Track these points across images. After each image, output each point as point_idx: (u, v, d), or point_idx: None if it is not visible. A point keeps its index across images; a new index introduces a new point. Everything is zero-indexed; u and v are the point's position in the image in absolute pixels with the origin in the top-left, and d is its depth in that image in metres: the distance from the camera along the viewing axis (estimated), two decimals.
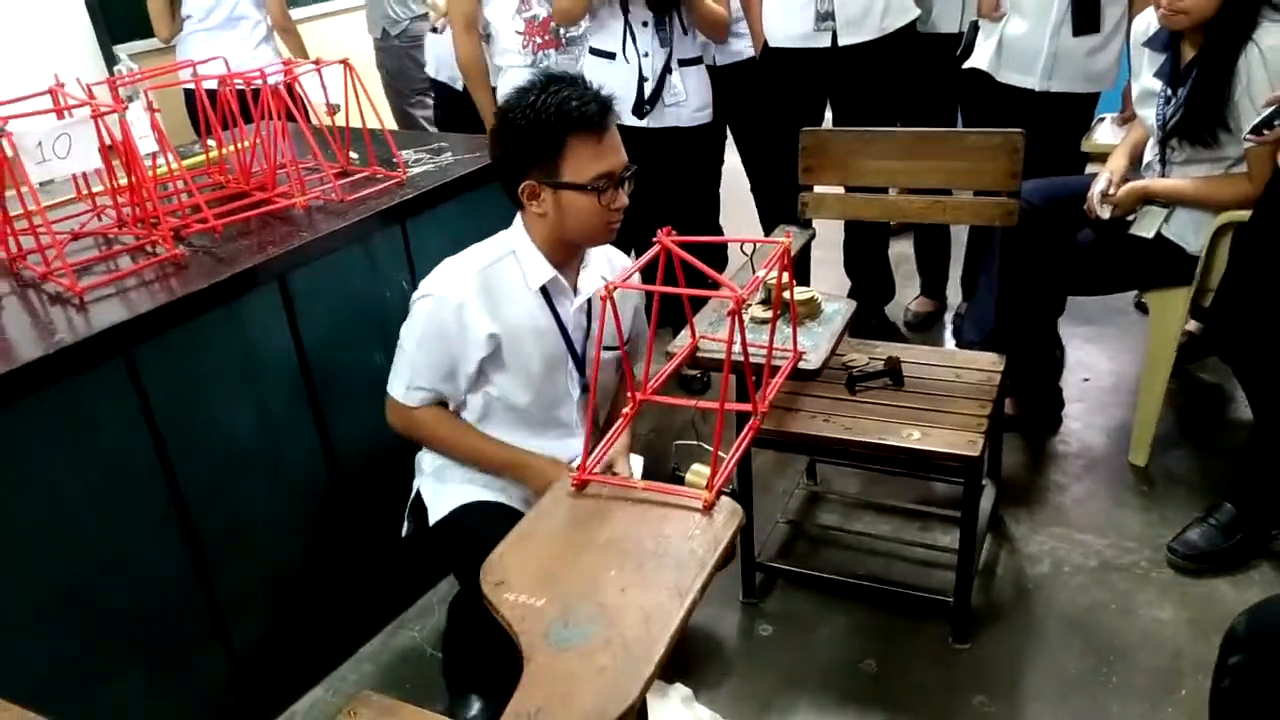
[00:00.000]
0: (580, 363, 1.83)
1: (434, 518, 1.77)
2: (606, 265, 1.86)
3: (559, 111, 1.59)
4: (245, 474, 1.84)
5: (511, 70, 2.97)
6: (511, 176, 1.68)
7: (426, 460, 1.87)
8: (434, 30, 3.34)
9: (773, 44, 2.85)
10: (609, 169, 1.64)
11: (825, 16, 2.73)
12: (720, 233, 3.16)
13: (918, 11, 2.82)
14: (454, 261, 1.75)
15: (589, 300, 1.80)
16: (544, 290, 1.75)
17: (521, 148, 1.64)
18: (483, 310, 1.71)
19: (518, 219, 1.75)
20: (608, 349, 1.77)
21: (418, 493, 1.85)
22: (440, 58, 3.27)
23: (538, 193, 1.66)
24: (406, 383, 1.76)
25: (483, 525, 1.68)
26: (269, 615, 1.94)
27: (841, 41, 2.75)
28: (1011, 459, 2.58)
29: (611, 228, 1.69)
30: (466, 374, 1.75)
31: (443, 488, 1.80)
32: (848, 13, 2.71)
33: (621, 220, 1.70)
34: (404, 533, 1.90)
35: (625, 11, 2.67)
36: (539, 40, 3.01)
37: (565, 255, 1.75)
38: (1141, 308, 3.18)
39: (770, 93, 2.95)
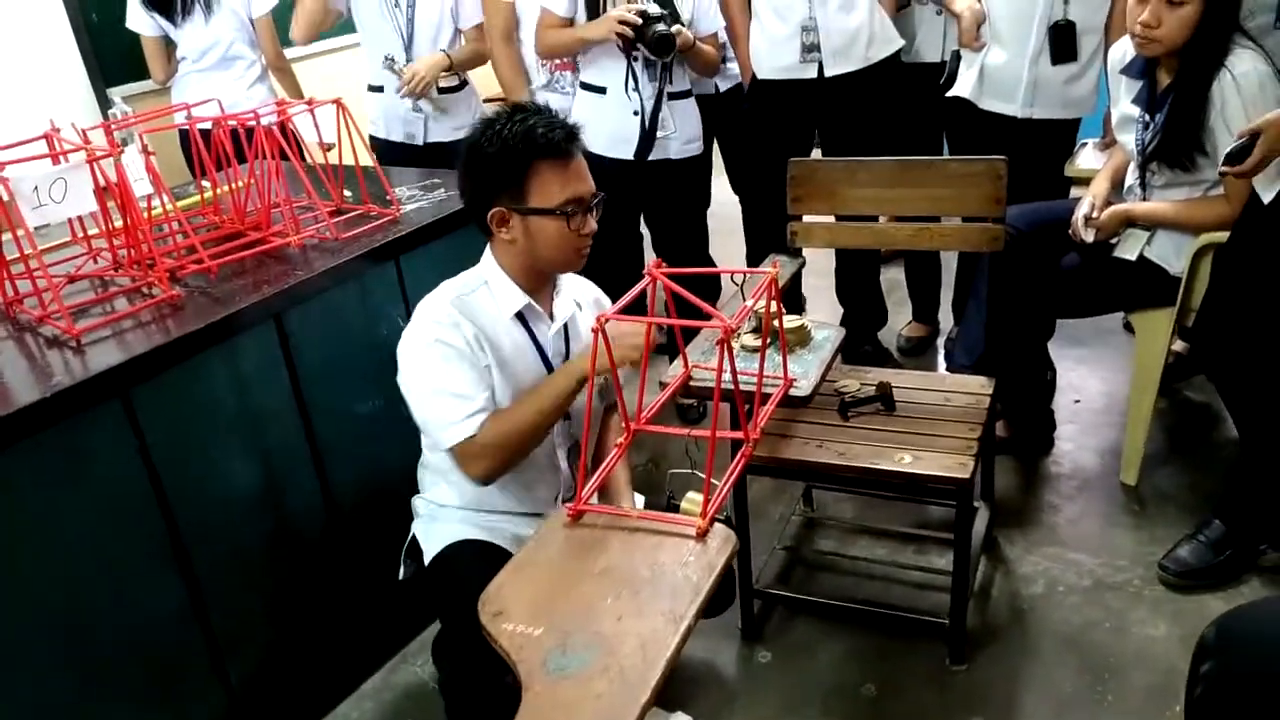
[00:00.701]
0: None
1: (427, 558, 1.78)
2: (578, 291, 1.87)
3: (525, 137, 1.62)
4: (243, 512, 1.85)
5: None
6: (480, 205, 1.69)
7: (421, 504, 1.88)
8: (380, 90, 3.12)
9: (760, 76, 2.89)
10: (577, 194, 1.66)
11: (811, 48, 2.78)
12: (710, 262, 3.19)
13: (902, 42, 2.87)
14: (429, 299, 1.73)
15: (565, 325, 1.81)
16: (520, 317, 1.76)
17: (489, 175, 1.66)
18: (472, 333, 1.70)
19: (486, 251, 1.76)
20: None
21: (413, 536, 1.86)
22: (388, 112, 3.13)
23: (507, 219, 1.67)
24: (463, 415, 1.65)
25: (467, 564, 1.68)
26: (268, 652, 1.94)
27: (828, 72, 2.80)
28: (1004, 481, 2.60)
29: (581, 253, 1.71)
30: (489, 382, 1.71)
31: (435, 527, 1.80)
32: (833, 44, 2.76)
33: (589, 247, 1.71)
34: (401, 575, 1.90)
35: (629, 57, 2.72)
36: (556, 61, 3.06)
37: (536, 283, 1.76)
38: (1130, 328, 3.21)
39: (758, 124, 2.99)
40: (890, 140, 2.99)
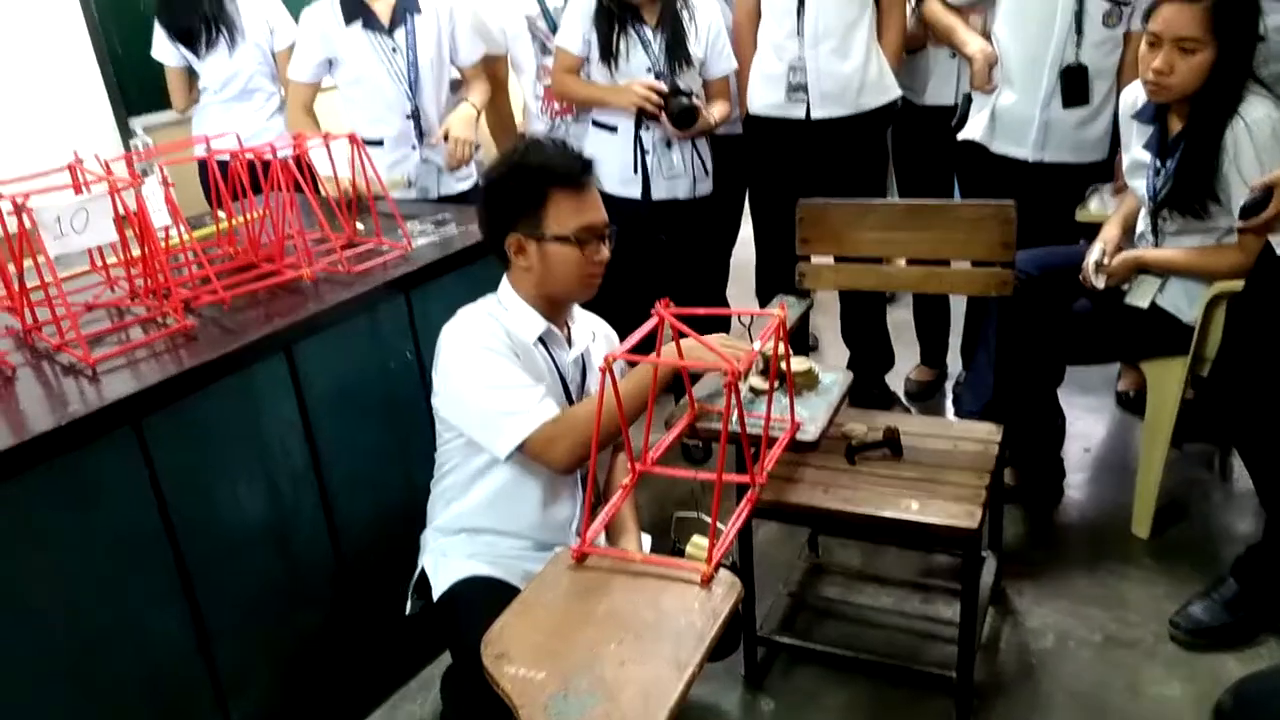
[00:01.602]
0: None
1: (436, 593, 1.78)
2: (592, 322, 1.92)
3: (541, 166, 1.70)
4: (249, 544, 1.85)
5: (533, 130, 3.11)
6: (499, 233, 1.74)
7: (431, 537, 1.87)
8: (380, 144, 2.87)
9: (751, 111, 2.92)
10: (590, 223, 1.71)
11: (797, 88, 2.80)
12: (726, 304, 3.19)
13: (898, 92, 2.89)
14: (461, 319, 1.76)
15: (582, 354, 1.84)
16: (541, 341, 1.79)
17: (507, 203, 1.72)
18: (510, 345, 1.73)
19: (504, 281, 1.80)
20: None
21: (422, 570, 1.85)
22: (396, 168, 2.90)
23: (524, 247, 1.72)
24: (534, 400, 1.66)
25: (477, 600, 1.68)
26: (270, 688, 1.93)
27: (815, 114, 2.82)
28: (1013, 530, 2.57)
29: (593, 281, 1.75)
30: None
31: (445, 562, 1.80)
32: (823, 87, 2.79)
33: (600, 275, 1.76)
34: (408, 610, 1.89)
35: (639, 126, 2.76)
36: (556, 107, 3.09)
37: (553, 310, 1.79)
38: (1121, 399, 3.19)
39: (752, 160, 3.01)
40: (876, 189, 3.00)
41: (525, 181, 1.70)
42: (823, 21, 2.73)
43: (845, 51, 2.76)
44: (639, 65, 2.71)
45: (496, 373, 1.68)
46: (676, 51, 2.70)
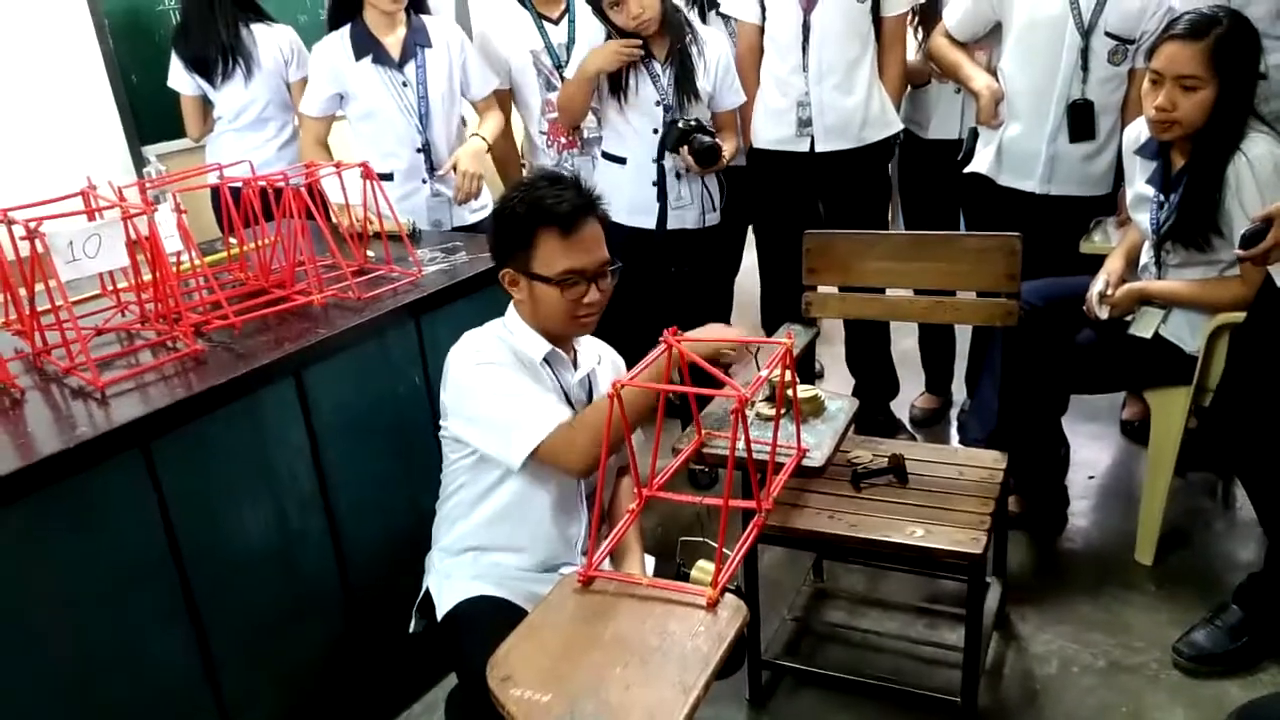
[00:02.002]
0: None
1: (440, 613, 1.79)
2: (598, 345, 1.94)
3: (531, 206, 1.71)
4: (255, 568, 1.85)
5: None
6: (496, 264, 1.79)
7: (436, 558, 1.88)
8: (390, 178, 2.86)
9: (757, 145, 2.96)
10: (577, 265, 1.71)
11: (806, 123, 2.85)
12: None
13: (899, 126, 2.93)
14: (467, 341, 1.80)
15: (588, 375, 1.86)
16: (546, 361, 1.80)
17: (502, 237, 1.76)
18: (518, 364, 1.76)
19: (510, 306, 1.83)
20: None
21: (426, 590, 1.86)
22: (408, 202, 2.88)
23: (516, 280, 1.76)
24: (550, 403, 1.70)
25: (481, 620, 1.68)
26: (274, 712, 1.93)
27: (819, 148, 2.86)
28: (1018, 556, 2.58)
29: (582, 321, 1.76)
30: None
31: (449, 584, 1.81)
32: (827, 121, 2.83)
33: (591, 315, 1.76)
34: (412, 629, 1.90)
35: (661, 156, 2.78)
36: (562, 141, 3.12)
37: (554, 337, 1.81)
38: (1125, 427, 3.20)
39: (759, 193, 3.04)
40: (879, 219, 3.03)
41: (515, 219, 1.72)
42: (826, 58, 2.78)
43: (849, 88, 2.81)
44: (648, 99, 2.74)
45: (505, 384, 1.71)
46: (685, 85, 2.73)
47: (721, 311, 3.22)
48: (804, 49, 2.77)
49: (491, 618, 1.67)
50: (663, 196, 2.83)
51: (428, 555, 1.91)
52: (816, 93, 2.80)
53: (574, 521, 1.85)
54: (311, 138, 2.96)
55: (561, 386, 1.82)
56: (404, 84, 2.82)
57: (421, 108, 2.85)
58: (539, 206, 1.70)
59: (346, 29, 2.82)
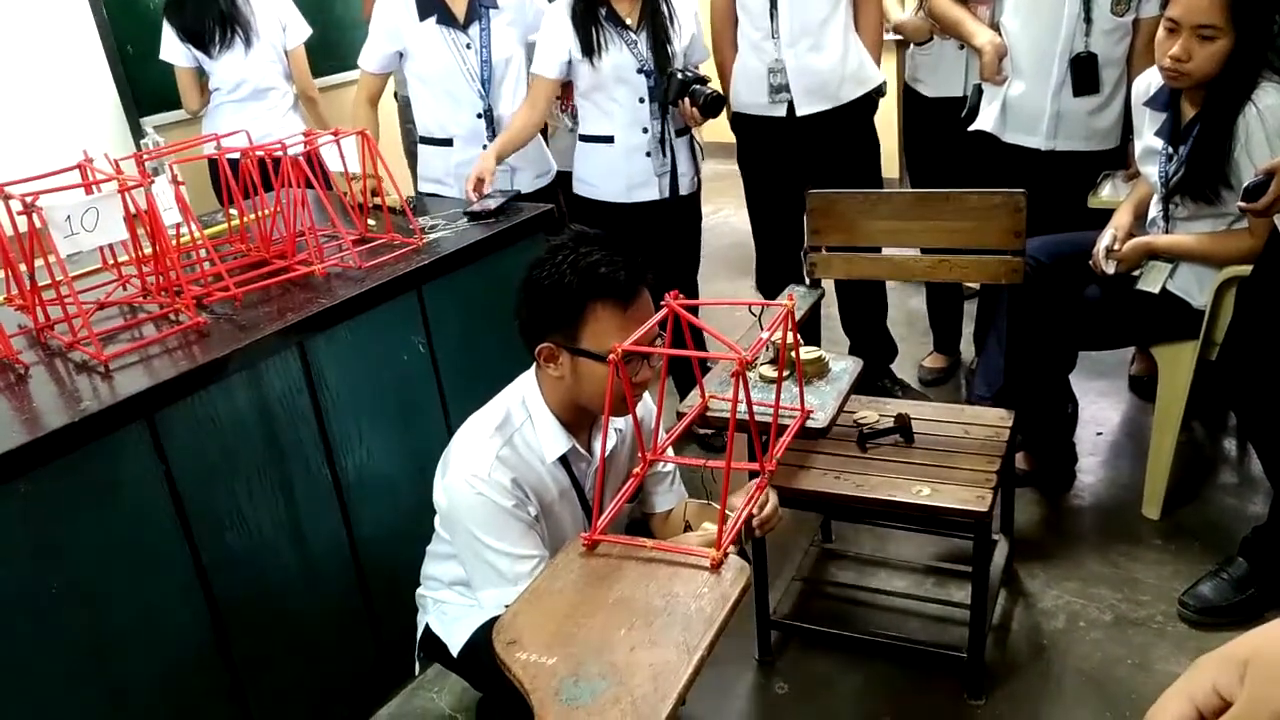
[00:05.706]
0: None
1: (455, 649, 1.74)
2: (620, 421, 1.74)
3: (585, 274, 1.51)
4: (264, 538, 1.86)
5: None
6: (531, 335, 1.58)
7: (429, 597, 1.84)
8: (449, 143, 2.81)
9: (736, 109, 2.94)
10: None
11: (779, 89, 2.82)
12: (697, 290, 3.16)
13: (879, 79, 2.90)
14: (471, 449, 1.62)
15: (607, 456, 1.69)
16: (562, 459, 1.67)
17: (544, 308, 1.55)
18: (517, 487, 1.61)
19: (531, 374, 1.67)
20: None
21: (427, 628, 1.81)
22: (461, 169, 2.71)
23: (556, 356, 1.57)
24: (506, 591, 1.51)
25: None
26: (286, 678, 1.95)
27: (799, 112, 2.84)
28: (1025, 514, 2.58)
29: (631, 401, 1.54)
30: (538, 535, 1.64)
31: (450, 620, 1.76)
32: (803, 84, 2.81)
33: (639, 396, 1.60)
34: (418, 671, 1.87)
35: (663, 118, 2.74)
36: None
37: (580, 418, 1.66)
38: (1133, 383, 3.18)
39: (744, 157, 3.03)
40: (871, 178, 3.00)
41: (562, 290, 1.50)
42: (797, 21, 2.75)
43: (821, 47, 2.78)
44: (627, 67, 2.68)
45: (489, 530, 1.57)
46: (662, 48, 2.68)
47: (691, 273, 3.16)
48: (772, 14, 2.75)
49: None
50: (672, 162, 2.80)
51: (417, 593, 1.86)
52: (790, 56, 2.78)
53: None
54: (365, 94, 2.82)
55: (576, 483, 1.69)
56: (467, 45, 2.68)
57: (484, 72, 2.70)
58: (591, 276, 1.50)
59: None
